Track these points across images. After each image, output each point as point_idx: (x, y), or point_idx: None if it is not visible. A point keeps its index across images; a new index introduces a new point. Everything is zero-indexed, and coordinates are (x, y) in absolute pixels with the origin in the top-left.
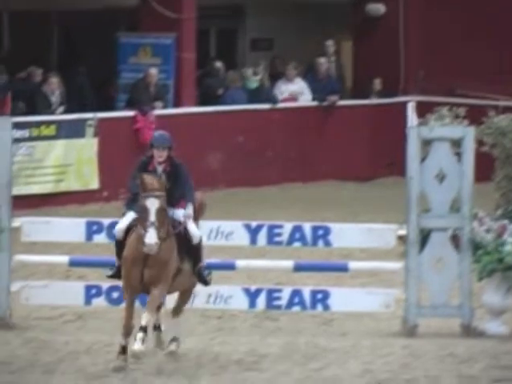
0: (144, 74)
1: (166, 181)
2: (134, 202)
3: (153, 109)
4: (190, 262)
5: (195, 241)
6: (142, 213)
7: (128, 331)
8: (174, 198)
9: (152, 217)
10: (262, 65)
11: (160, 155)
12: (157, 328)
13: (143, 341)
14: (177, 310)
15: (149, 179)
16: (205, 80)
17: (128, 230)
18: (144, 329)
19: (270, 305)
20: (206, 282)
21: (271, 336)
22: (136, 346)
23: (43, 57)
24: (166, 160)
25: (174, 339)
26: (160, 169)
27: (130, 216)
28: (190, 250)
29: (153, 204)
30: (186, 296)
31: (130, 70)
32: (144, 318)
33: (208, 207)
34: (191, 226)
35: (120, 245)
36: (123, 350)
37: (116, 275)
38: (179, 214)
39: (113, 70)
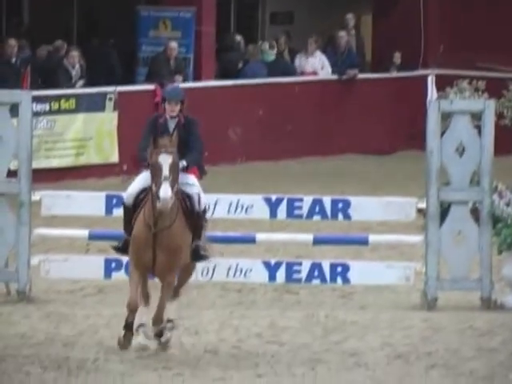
0: (164, 48)
1: (179, 135)
2: (140, 158)
3: (173, 82)
4: (191, 236)
5: (201, 208)
6: (155, 169)
7: (134, 308)
8: (183, 153)
9: (165, 171)
10: (281, 38)
11: (172, 109)
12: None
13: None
14: (177, 290)
15: (160, 137)
16: (224, 54)
17: (137, 198)
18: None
19: (289, 278)
20: (200, 259)
21: (291, 309)
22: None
23: (63, 31)
24: (180, 114)
25: (169, 326)
26: (172, 123)
27: (140, 181)
28: (192, 223)
29: (165, 159)
30: (187, 273)
31: (150, 43)
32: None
33: (228, 180)
34: (196, 195)
35: (129, 212)
36: (129, 327)
37: (122, 249)
38: (190, 185)
39: (133, 43)
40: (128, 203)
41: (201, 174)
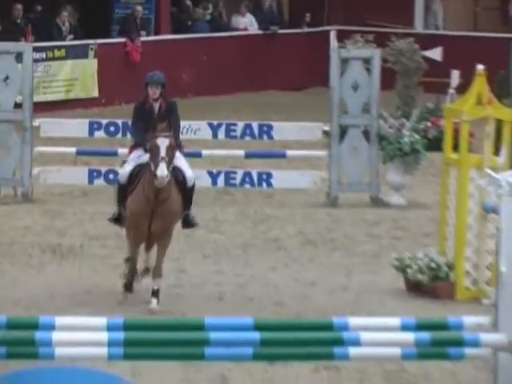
0: (132, 10)
1: (162, 116)
2: (137, 146)
3: (139, 36)
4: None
5: (189, 184)
6: (153, 150)
7: (133, 277)
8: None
9: (162, 152)
10: (220, 2)
11: (154, 92)
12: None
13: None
14: (157, 264)
15: (159, 124)
16: (178, 15)
17: (131, 176)
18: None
19: (227, 183)
20: (190, 226)
21: (228, 207)
22: (153, 305)
23: None
24: (161, 98)
25: (156, 293)
26: (156, 106)
27: (132, 161)
28: (183, 194)
29: (163, 142)
30: (167, 241)
31: (121, 7)
32: (157, 280)
33: (181, 110)
34: (187, 169)
35: (123, 190)
36: (128, 286)
37: (116, 221)
38: (179, 159)
39: (109, 7)
40: (122, 181)
41: (180, 149)
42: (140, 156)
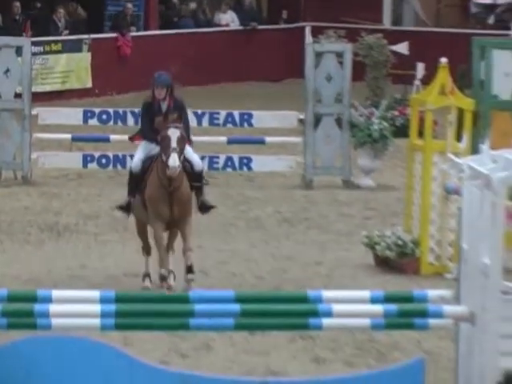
0: (123, 8)
1: (170, 114)
2: (146, 140)
3: (129, 32)
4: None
5: (198, 169)
6: (165, 141)
7: (165, 263)
8: None
9: (174, 143)
10: (203, 1)
11: (159, 93)
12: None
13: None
14: (187, 246)
15: (170, 115)
16: (165, 12)
17: (143, 166)
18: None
19: (210, 167)
20: (207, 210)
21: (212, 188)
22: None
23: None
24: (169, 97)
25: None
26: (164, 105)
27: (142, 151)
28: (194, 182)
29: (174, 133)
30: (188, 227)
31: (113, 4)
32: (189, 257)
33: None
34: (194, 157)
35: (136, 178)
36: (163, 278)
37: (125, 209)
38: (189, 152)
39: (101, 4)
40: (136, 171)
41: (190, 143)
42: (150, 148)
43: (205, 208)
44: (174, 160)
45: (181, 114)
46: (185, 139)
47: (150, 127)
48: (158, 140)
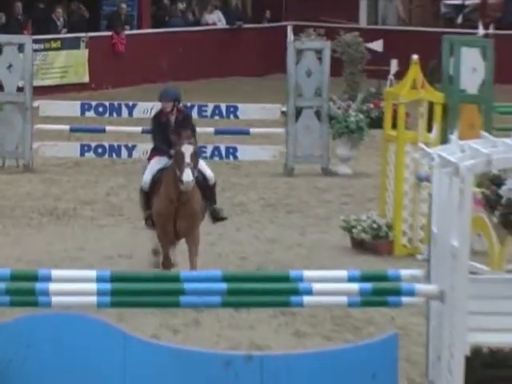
0: (117, 8)
1: (178, 126)
2: (158, 152)
3: (123, 30)
4: (205, 201)
5: (211, 182)
6: (178, 156)
7: (170, 265)
8: None
9: (187, 159)
10: (193, 1)
11: (165, 106)
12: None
13: None
14: (193, 253)
15: (183, 132)
16: (157, 11)
17: (152, 182)
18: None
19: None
20: (219, 219)
21: None
22: None
23: None
24: (177, 110)
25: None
26: (172, 118)
27: (152, 168)
28: (206, 191)
29: (187, 149)
30: (196, 236)
31: (108, 4)
32: (194, 261)
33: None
34: (206, 169)
35: (146, 195)
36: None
37: (149, 223)
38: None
39: (97, 4)
40: (145, 188)
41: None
42: (160, 161)
43: (216, 217)
44: (187, 175)
45: (188, 125)
46: (198, 155)
47: (162, 139)
48: (171, 154)
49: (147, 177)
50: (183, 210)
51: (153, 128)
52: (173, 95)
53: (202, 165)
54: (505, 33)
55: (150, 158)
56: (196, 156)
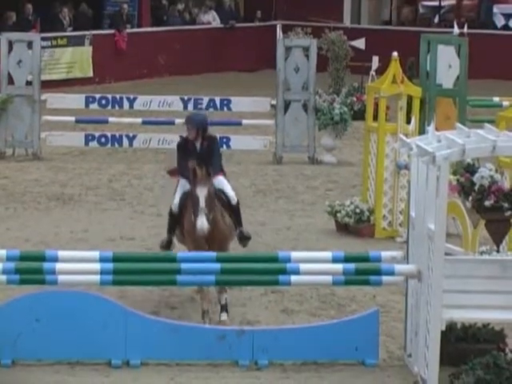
0: (119, 8)
1: (203, 152)
2: (183, 178)
3: (125, 29)
4: (233, 224)
5: (233, 202)
6: (193, 199)
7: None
8: (209, 163)
9: (202, 203)
10: (189, 2)
11: (189, 133)
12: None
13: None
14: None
15: (198, 170)
16: (156, 11)
17: (181, 205)
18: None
19: None
20: (246, 242)
21: None
22: (223, 317)
23: None
24: (202, 138)
25: (225, 307)
26: (198, 145)
27: (180, 190)
28: (232, 213)
29: (201, 191)
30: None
31: (111, 5)
32: (223, 297)
33: (157, 89)
34: (229, 190)
35: (175, 218)
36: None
37: (166, 247)
38: (220, 183)
39: (100, 5)
40: (175, 211)
41: (224, 174)
42: (185, 185)
43: (243, 239)
44: (201, 222)
45: (213, 150)
46: (213, 197)
47: (186, 166)
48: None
49: (177, 200)
50: (212, 234)
51: (178, 154)
52: (197, 123)
53: (225, 184)
54: (478, 32)
55: (171, 173)
56: (211, 197)
